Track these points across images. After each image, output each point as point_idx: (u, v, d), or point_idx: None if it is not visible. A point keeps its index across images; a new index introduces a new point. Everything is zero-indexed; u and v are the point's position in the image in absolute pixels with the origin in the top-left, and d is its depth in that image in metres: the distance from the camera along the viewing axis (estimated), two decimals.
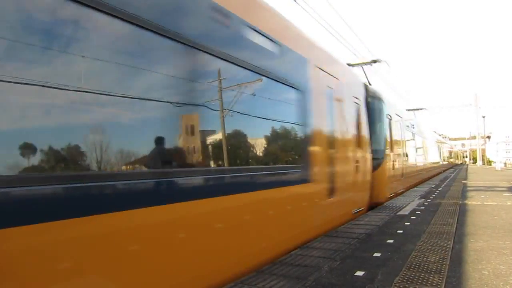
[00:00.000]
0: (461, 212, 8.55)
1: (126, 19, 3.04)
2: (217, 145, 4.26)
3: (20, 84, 2.38)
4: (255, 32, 4.85)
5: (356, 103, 9.13)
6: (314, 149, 6.32)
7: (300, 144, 6.02)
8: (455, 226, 6.87)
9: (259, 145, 5.12)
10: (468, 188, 15.38)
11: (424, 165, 21.82)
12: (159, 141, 3.43)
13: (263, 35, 5.01)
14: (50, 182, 2.48)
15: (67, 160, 2.71)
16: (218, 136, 4.27)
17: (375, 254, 4.97)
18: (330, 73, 7.34)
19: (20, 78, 2.38)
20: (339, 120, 7.68)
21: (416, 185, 17.49)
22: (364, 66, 13.87)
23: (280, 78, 5.38)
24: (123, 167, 3.11)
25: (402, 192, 13.86)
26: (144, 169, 3.34)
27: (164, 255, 3.28)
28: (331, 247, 5.43)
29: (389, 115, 12.11)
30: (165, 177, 3.42)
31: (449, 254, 4.91)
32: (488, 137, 66.15)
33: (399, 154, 13.63)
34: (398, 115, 13.97)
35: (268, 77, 5.07)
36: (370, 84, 8.77)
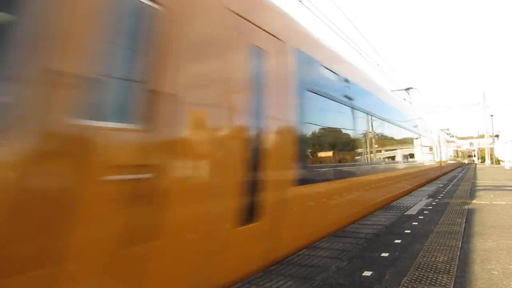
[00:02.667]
0: (470, 212, 8.48)
1: None
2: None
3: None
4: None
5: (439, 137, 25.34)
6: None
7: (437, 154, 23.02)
8: (463, 225, 6.81)
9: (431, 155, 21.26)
10: (477, 188, 15.24)
11: (450, 162, 37.54)
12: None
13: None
14: None
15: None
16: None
17: (383, 254, 4.95)
18: (435, 131, 24.31)
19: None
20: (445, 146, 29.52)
21: (448, 172, 30.99)
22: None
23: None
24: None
25: (446, 173, 28.05)
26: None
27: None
28: (338, 247, 5.42)
29: (446, 141, 30.20)
30: None
31: (458, 254, 4.87)
32: (497, 136, 65.32)
33: (443, 156, 28.01)
34: (446, 140, 31.58)
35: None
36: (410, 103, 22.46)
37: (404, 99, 21.44)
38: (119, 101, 2.67)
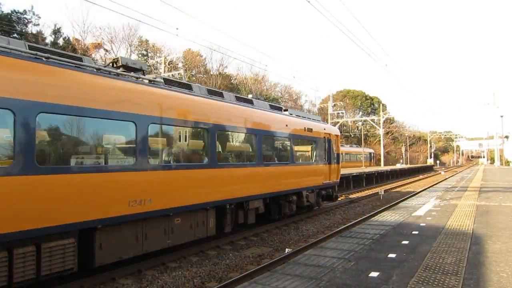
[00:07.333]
0: (478, 213, 8.39)
1: None
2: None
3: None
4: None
5: None
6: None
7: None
8: (472, 227, 6.75)
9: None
10: (486, 189, 15.07)
11: None
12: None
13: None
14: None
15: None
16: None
17: (390, 255, 4.93)
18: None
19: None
20: None
21: None
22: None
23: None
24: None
25: None
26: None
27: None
28: (345, 248, 5.40)
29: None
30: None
31: (466, 256, 4.83)
32: (507, 137, 64.39)
33: None
34: None
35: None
36: None
37: None
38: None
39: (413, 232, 6.40)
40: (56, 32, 29.86)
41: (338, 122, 41.75)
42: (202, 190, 7.00)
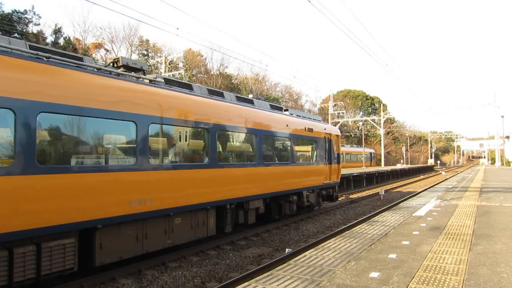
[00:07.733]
0: (479, 214, 8.38)
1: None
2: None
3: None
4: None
5: None
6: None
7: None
8: (472, 227, 6.74)
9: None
10: (486, 189, 15.06)
11: None
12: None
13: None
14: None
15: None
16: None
17: (391, 255, 4.92)
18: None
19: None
20: None
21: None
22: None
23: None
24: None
25: None
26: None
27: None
28: (346, 248, 5.40)
29: None
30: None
31: (467, 256, 4.82)
32: (507, 137, 64.40)
33: None
34: None
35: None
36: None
37: None
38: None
39: (414, 232, 6.39)
40: (57, 32, 29.90)
41: (338, 122, 41.75)
42: (202, 190, 6.98)
